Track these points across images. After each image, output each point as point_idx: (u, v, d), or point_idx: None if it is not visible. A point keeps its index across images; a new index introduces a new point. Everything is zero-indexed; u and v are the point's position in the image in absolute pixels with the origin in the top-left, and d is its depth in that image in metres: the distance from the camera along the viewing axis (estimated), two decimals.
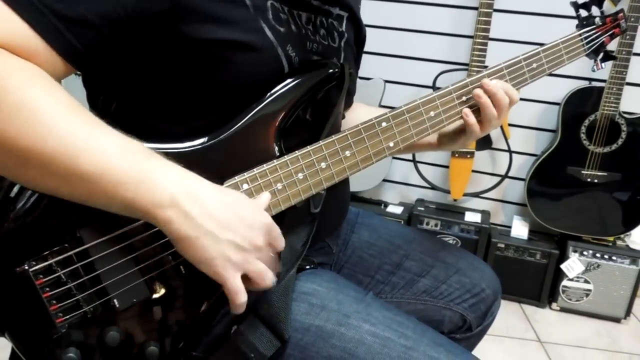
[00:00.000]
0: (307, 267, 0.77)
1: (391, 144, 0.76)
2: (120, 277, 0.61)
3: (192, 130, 0.66)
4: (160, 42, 0.62)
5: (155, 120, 0.68)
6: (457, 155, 2.10)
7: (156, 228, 0.58)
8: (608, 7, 0.88)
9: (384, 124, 0.75)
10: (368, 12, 2.15)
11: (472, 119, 0.81)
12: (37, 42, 0.54)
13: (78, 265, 0.59)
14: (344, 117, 0.89)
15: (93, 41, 0.57)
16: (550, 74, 0.86)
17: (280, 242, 0.64)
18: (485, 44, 1.98)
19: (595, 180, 1.98)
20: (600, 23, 0.88)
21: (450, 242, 2.07)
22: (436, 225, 2.13)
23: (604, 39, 0.89)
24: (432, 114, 0.78)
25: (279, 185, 0.68)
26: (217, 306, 0.66)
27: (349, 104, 0.98)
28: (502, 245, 2.09)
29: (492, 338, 1.87)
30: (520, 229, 2.14)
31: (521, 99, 0.92)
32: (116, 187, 0.53)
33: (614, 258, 2.01)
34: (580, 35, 0.87)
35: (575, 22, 0.89)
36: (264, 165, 0.67)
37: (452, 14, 2.13)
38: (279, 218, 0.68)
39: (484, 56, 1.99)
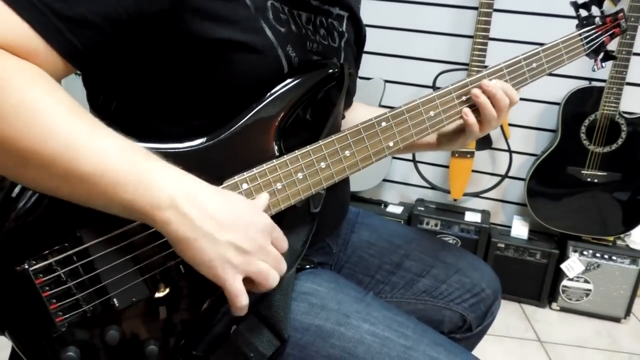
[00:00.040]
0: (307, 266, 0.77)
1: (391, 144, 0.76)
2: (119, 277, 0.61)
3: (192, 130, 0.66)
4: (160, 41, 0.62)
5: (155, 120, 0.68)
6: (457, 155, 2.10)
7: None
8: (608, 7, 0.88)
9: (383, 124, 0.75)
10: (368, 12, 2.15)
11: (471, 118, 0.81)
12: (37, 42, 0.54)
13: (78, 264, 0.59)
14: (343, 117, 0.89)
15: (93, 41, 0.57)
16: (550, 74, 0.86)
17: (284, 243, 0.64)
18: (485, 44, 1.98)
19: (595, 180, 1.98)
20: (600, 23, 0.88)
21: (450, 242, 2.07)
22: (436, 225, 2.13)
23: (604, 39, 0.89)
24: (432, 113, 0.78)
25: (279, 185, 0.68)
26: (217, 305, 0.66)
27: (348, 103, 0.98)
28: (502, 245, 2.09)
29: (492, 338, 1.87)
30: (520, 229, 2.14)
31: (521, 99, 0.92)
32: (115, 189, 0.53)
33: (614, 258, 2.01)
34: (580, 35, 0.87)
35: (575, 22, 0.89)
36: (264, 165, 0.67)
37: (452, 13, 2.13)
38: (278, 218, 0.68)
39: (484, 56, 1.99)
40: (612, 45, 1.74)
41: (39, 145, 0.51)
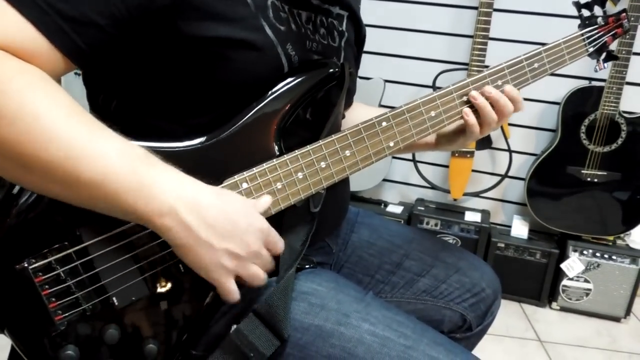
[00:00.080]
0: (307, 266, 0.77)
1: (391, 144, 0.76)
2: (119, 275, 0.61)
3: (192, 128, 0.66)
4: (161, 39, 0.62)
5: (155, 118, 0.67)
6: (457, 154, 2.10)
7: None
8: (608, 7, 0.88)
9: (384, 124, 0.75)
10: (368, 12, 2.15)
11: (472, 118, 0.80)
12: (41, 42, 0.54)
13: (77, 263, 0.59)
14: (344, 116, 0.89)
15: (97, 40, 0.57)
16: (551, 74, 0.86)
17: (278, 246, 0.66)
18: (485, 44, 1.98)
19: (595, 180, 1.98)
20: (603, 23, 0.88)
21: (450, 241, 2.07)
22: (436, 224, 2.13)
23: (606, 39, 0.89)
24: (432, 113, 0.78)
25: (279, 185, 0.68)
26: (216, 304, 0.66)
27: (349, 103, 0.98)
28: (502, 245, 2.09)
29: (492, 337, 1.87)
30: (520, 229, 2.14)
31: None
32: (116, 194, 0.54)
33: (614, 257, 2.01)
34: (582, 35, 0.87)
35: (576, 21, 0.89)
36: (264, 164, 0.67)
37: (452, 13, 2.13)
38: (278, 217, 0.68)
39: (484, 56, 1.99)
40: (612, 45, 1.74)
41: (40, 150, 0.51)
